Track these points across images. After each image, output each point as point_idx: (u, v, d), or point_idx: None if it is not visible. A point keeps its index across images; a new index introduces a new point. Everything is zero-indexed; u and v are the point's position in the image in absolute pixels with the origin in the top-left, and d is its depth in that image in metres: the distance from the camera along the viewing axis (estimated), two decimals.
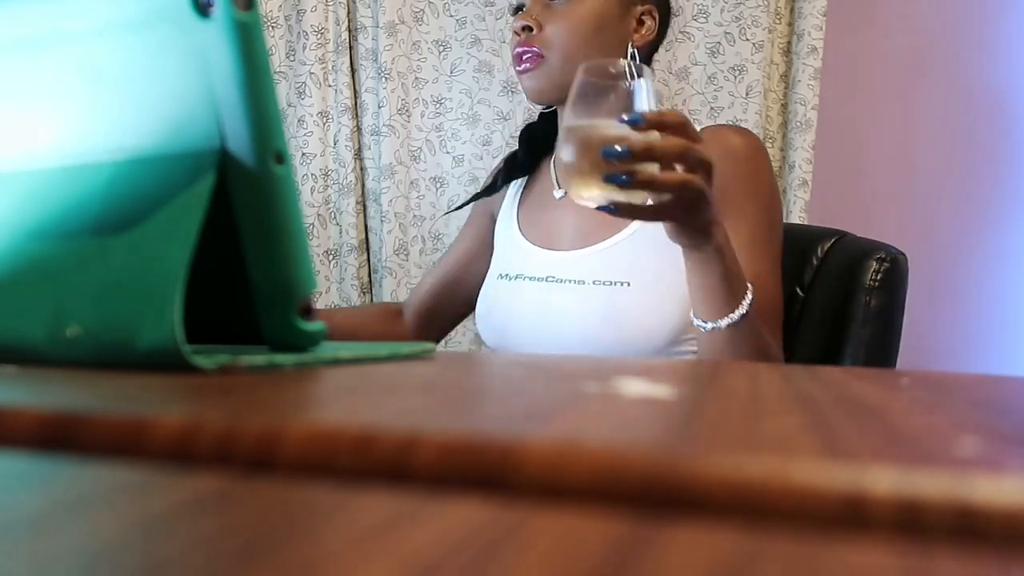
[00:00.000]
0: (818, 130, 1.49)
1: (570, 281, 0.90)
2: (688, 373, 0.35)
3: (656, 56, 1.48)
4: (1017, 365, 1.57)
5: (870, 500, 0.14)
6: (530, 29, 0.91)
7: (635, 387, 0.27)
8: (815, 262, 1.00)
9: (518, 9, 0.96)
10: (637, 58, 0.95)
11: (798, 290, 1.01)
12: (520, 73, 0.93)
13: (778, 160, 1.51)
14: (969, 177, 1.63)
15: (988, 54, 1.62)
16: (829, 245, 1.01)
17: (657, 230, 0.88)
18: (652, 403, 0.24)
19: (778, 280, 0.86)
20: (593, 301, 0.87)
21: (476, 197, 1.11)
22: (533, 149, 1.07)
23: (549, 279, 0.93)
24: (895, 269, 0.93)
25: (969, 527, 0.14)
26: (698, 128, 0.95)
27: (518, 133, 1.11)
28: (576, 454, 0.16)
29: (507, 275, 0.98)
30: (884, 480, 0.14)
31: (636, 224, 0.89)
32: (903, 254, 0.95)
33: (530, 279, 0.95)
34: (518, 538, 0.13)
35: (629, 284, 0.86)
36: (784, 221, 1.46)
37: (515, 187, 1.07)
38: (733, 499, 0.15)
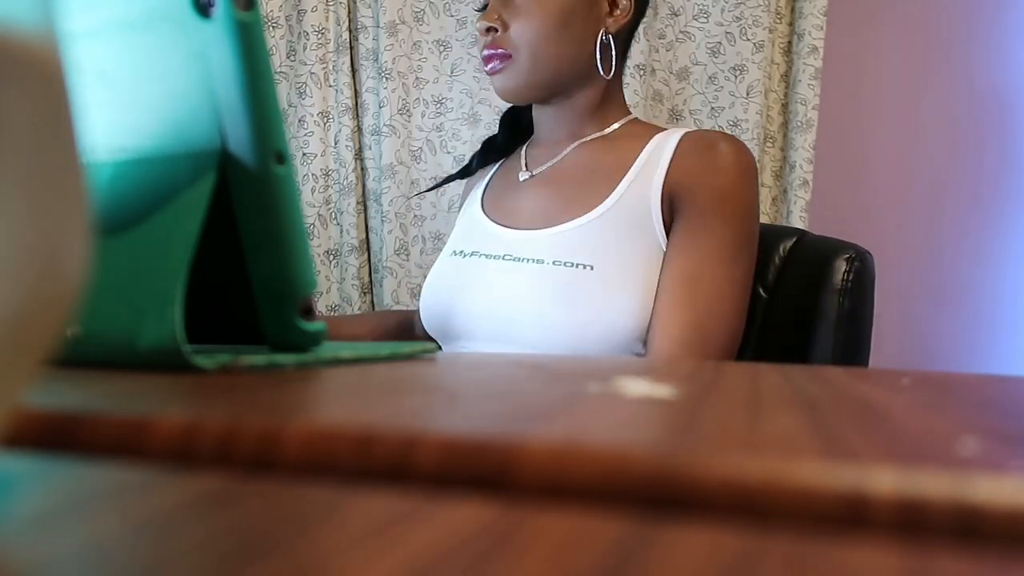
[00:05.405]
0: (819, 130, 1.49)
1: (528, 260, 0.84)
2: (689, 373, 0.35)
3: (656, 56, 1.48)
4: (1018, 365, 1.57)
5: (871, 500, 0.14)
6: (495, 30, 0.88)
7: (636, 387, 0.27)
8: (778, 261, 0.98)
9: (484, 7, 0.93)
10: (612, 47, 0.90)
11: (761, 291, 0.98)
12: (489, 74, 0.91)
13: (779, 160, 1.51)
14: (970, 177, 1.63)
15: (989, 53, 1.62)
16: (791, 244, 0.98)
17: (623, 214, 0.84)
18: (653, 403, 0.24)
19: (737, 301, 0.81)
20: (550, 281, 0.81)
21: (450, 179, 1.09)
22: (513, 133, 1.04)
23: (506, 257, 0.87)
24: (864, 268, 0.91)
25: (970, 527, 0.14)
26: (684, 130, 0.90)
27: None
28: (577, 454, 0.16)
29: (461, 252, 0.93)
30: (885, 480, 0.14)
31: (600, 209, 0.84)
32: (869, 253, 0.94)
33: (486, 256, 0.89)
34: (519, 538, 0.13)
35: (592, 268, 0.80)
36: (784, 222, 1.46)
37: (490, 171, 1.05)
38: (734, 499, 0.15)
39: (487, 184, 1.01)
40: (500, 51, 0.88)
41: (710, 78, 1.49)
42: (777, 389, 0.29)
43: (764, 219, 1.48)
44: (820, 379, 0.33)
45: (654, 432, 0.19)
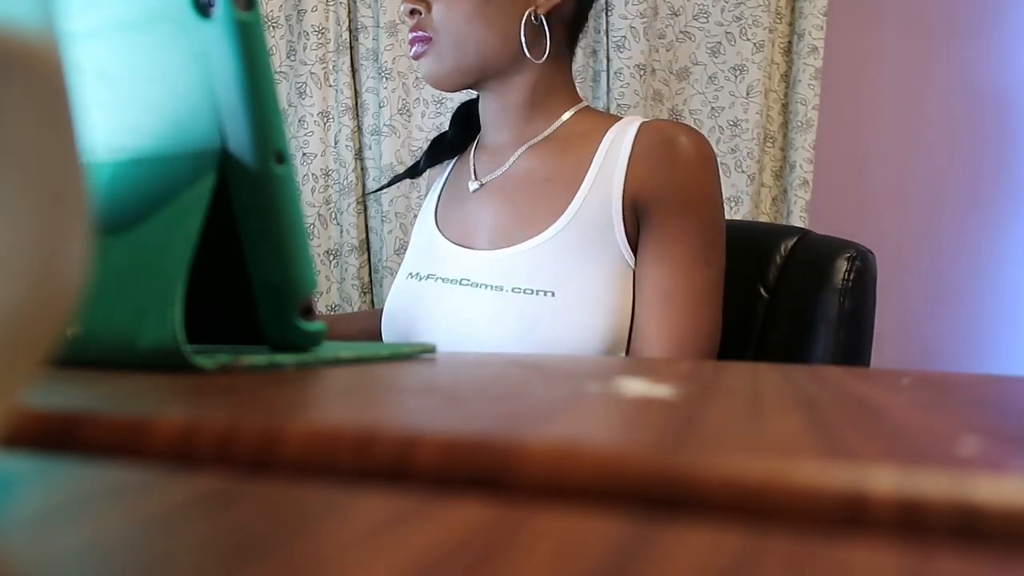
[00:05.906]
0: (819, 130, 1.49)
1: (487, 286, 0.80)
2: (689, 373, 0.35)
3: (656, 56, 1.48)
4: (1018, 365, 1.57)
5: (871, 500, 0.14)
6: (418, 12, 0.84)
7: (636, 387, 0.27)
8: (779, 261, 0.96)
9: None
10: (546, 29, 0.83)
11: (761, 291, 0.96)
12: (413, 59, 0.86)
13: (779, 160, 1.51)
14: (971, 176, 1.63)
15: (989, 53, 1.62)
16: (792, 244, 0.97)
17: (582, 230, 0.79)
18: (653, 403, 0.24)
19: (714, 304, 0.79)
20: (512, 311, 0.77)
21: (398, 178, 1.05)
22: (464, 130, 0.98)
23: (464, 282, 0.82)
24: (866, 268, 0.90)
25: (970, 527, 0.14)
26: (640, 121, 0.83)
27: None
28: (577, 454, 0.16)
29: (417, 274, 0.88)
30: (885, 480, 0.14)
31: (559, 225, 0.79)
32: (871, 252, 0.93)
33: (442, 280, 0.84)
34: (519, 538, 0.13)
35: (554, 294, 0.76)
36: (784, 222, 1.46)
37: (443, 174, 0.99)
38: (734, 499, 0.15)
39: (441, 191, 0.96)
40: (421, 34, 0.83)
41: (710, 78, 1.49)
42: (777, 389, 0.29)
43: (763, 218, 1.48)
44: (820, 379, 0.33)
45: (654, 432, 0.19)
